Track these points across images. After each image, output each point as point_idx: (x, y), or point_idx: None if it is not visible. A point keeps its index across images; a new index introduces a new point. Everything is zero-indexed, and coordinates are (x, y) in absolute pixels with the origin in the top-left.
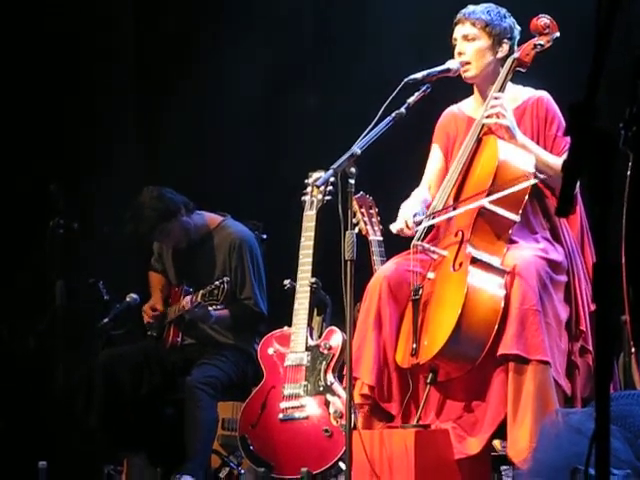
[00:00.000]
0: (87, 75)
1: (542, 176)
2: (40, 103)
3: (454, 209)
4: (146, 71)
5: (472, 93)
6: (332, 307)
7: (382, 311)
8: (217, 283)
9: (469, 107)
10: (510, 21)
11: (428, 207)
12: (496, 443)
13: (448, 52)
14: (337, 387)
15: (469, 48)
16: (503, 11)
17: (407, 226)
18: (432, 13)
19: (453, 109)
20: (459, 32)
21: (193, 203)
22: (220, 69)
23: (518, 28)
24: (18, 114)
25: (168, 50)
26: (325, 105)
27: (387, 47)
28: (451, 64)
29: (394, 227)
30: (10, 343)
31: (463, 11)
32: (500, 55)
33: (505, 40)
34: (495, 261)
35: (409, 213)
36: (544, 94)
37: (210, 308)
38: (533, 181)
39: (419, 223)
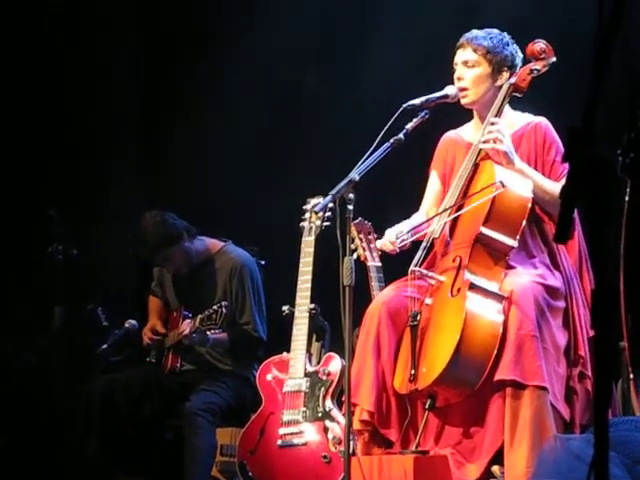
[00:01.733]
0: (87, 97)
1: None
2: (39, 127)
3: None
4: (147, 95)
5: (472, 117)
6: (331, 333)
7: (381, 337)
8: (215, 307)
9: (468, 132)
10: (512, 49)
11: (417, 232)
12: (495, 469)
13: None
14: (336, 413)
15: (468, 74)
16: (506, 38)
17: (391, 242)
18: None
19: (451, 134)
20: (460, 57)
21: (195, 228)
22: (221, 95)
23: (520, 56)
24: (16, 138)
25: (170, 73)
26: (325, 130)
27: (389, 67)
28: (449, 90)
29: (378, 242)
30: (13, 359)
31: (466, 35)
32: (499, 83)
33: (505, 68)
34: (493, 286)
35: (394, 232)
36: (542, 120)
37: (208, 332)
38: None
39: (402, 240)
